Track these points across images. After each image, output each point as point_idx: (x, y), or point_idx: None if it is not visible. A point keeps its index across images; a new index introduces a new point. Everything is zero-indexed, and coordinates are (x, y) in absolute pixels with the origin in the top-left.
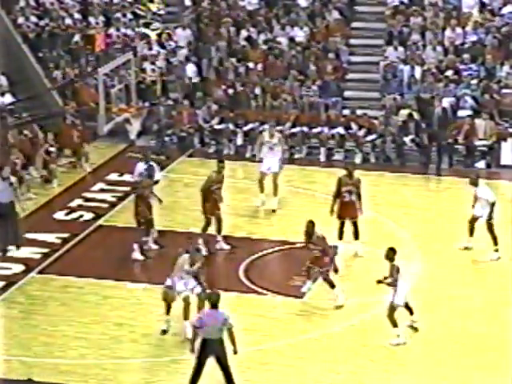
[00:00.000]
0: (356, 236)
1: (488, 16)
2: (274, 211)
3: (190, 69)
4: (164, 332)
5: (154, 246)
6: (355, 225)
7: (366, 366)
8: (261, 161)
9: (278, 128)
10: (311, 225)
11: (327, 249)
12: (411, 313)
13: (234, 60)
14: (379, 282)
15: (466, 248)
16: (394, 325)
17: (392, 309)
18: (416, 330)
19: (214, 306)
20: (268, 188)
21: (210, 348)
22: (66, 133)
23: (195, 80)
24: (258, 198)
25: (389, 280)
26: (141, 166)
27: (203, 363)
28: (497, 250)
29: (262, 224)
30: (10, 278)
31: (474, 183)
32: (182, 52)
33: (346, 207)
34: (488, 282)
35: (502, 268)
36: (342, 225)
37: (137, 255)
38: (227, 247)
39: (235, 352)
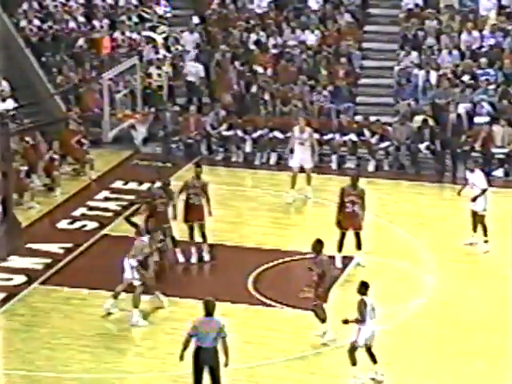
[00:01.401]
0: (359, 247)
1: (506, 19)
2: (308, 198)
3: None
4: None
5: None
6: (358, 236)
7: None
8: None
9: (288, 134)
10: (319, 245)
11: (326, 273)
12: (374, 361)
13: (237, 63)
14: (345, 322)
15: (471, 244)
16: (353, 363)
17: (353, 348)
18: (380, 382)
19: (209, 313)
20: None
21: (204, 357)
22: (69, 139)
23: (193, 78)
24: (289, 194)
25: (355, 317)
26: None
27: (201, 372)
28: (486, 242)
29: (272, 234)
30: (11, 289)
31: (471, 169)
32: (190, 56)
33: (349, 218)
34: (507, 295)
35: None
36: (343, 236)
37: None
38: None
39: (226, 364)
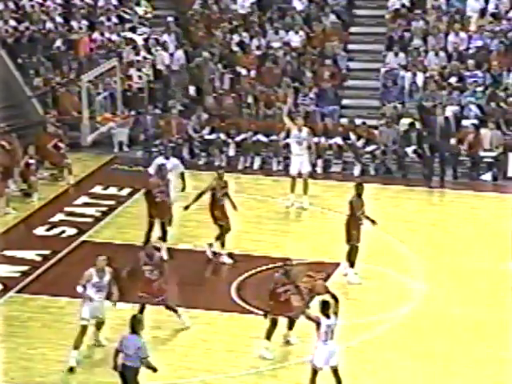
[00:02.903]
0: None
1: (494, 20)
2: (304, 209)
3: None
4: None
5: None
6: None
7: None
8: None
9: (272, 138)
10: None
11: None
12: (339, 383)
13: (220, 66)
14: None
15: None
16: None
17: (314, 371)
18: None
19: (133, 330)
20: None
21: (127, 375)
22: (46, 143)
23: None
24: (288, 198)
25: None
26: (159, 160)
27: None
28: None
29: (255, 240)
30: None
31: None
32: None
33: (360, 232)
34: (496, 301)
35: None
36: (357, 251)
37: None
38: (230, 261)
39: None
